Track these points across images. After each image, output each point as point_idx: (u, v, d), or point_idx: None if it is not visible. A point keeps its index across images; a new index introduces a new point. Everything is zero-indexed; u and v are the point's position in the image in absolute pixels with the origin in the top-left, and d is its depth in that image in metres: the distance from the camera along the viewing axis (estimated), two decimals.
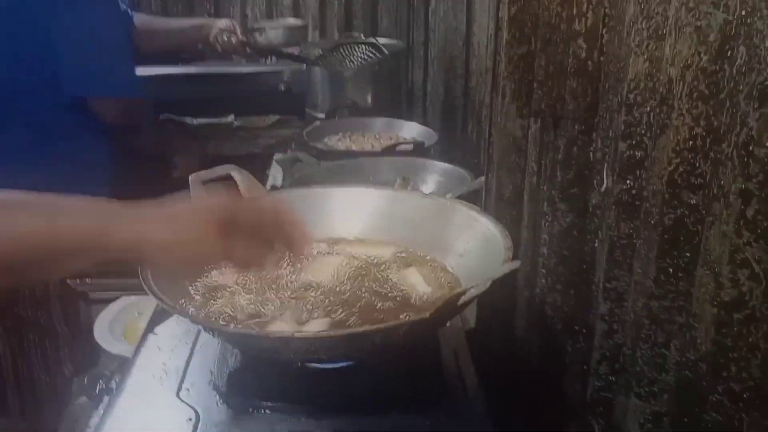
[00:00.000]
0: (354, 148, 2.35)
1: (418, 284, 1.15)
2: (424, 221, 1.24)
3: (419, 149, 2.29)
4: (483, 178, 1.83)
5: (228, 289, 1.11)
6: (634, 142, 0.95)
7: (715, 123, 0.80)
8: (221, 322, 1.01)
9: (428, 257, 1.20)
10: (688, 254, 0.85)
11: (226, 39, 2.45)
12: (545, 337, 1.27)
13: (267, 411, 1.00)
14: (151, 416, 1.00)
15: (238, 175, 1.30)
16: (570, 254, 1.20)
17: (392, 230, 1.25)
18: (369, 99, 2.71)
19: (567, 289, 1.22)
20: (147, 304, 1.48)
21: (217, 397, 1.02)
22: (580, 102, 1.14)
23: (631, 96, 0.94)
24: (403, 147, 2.28)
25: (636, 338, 0.94)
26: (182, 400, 1.02)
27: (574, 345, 1.19)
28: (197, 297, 1.10)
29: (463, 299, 0.91)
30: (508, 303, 1.40)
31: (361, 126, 2.51)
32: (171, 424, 0.98)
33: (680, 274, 0.86)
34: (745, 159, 0.72)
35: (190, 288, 1.11)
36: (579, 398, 1.13)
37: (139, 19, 2.48)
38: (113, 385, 1.16)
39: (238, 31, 2.49)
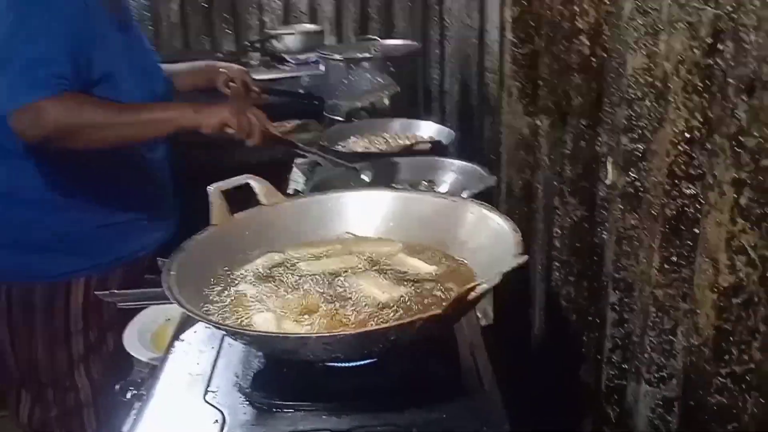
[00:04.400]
0: (372, 149, 2.38)
1: (420, 265, 1.19)
2: (436, 220, 1.26)
3: (437, 148, 2.30)
4: (491, 180, 1.86)
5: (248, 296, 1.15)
6: (635, 136, 0.97)
7: (710, 115, 0.83)
8: (242, 327, 1.05)
9: (441, 252, 1.23)
10: (689, 243, 0.87)
11: (237, 85, 2.44)
12: (561, 328, 1.29)
13: (290, 410, 1.03)
14: (180, 420, 1.04)
15: (255, 183, 1.34)
16: (581, 247, 1.23)
17: (405, 229, 1.28)
18: (386, 100, 2.73)
19: (580, 280, 1.25)
20: (174, 311, 1.53)
21: (242, 398, 1.06)
22: (585, 98, 1.16)
23: (631, 91, 0.97)
24: (420, 146, 2.30)
25: (644, 326, 0.96)
26: (209, 403, 1.05)
27: (589, 335, 1.21)
28: (219, 304, 1.14)
29: (474, 294, 0.93)
30: (524, 297, 1.43)
31: (379, 127, 2.53)
32: (198, 426, 1.01)
33: (682, 263, 0.89)
34: (736, 149, 0.74)
35: (212, 296, 1.15)
36: (595, 387, 1.15)
37: None
38: (143, 391, 1.20)
39: (249, 79, 2.46)
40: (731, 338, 0.78)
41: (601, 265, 1.15)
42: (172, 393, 1.11)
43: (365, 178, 1.92)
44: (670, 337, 0.92)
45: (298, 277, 1.17)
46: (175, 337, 1.24)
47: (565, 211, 1.22)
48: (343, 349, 0.95)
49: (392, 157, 2.22)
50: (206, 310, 1.10)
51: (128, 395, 1.23)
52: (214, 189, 1.27)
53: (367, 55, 2.81)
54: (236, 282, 1.18)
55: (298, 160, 2.44)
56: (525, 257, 0.96)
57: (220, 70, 2.42)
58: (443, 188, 2.04)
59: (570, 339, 1.25)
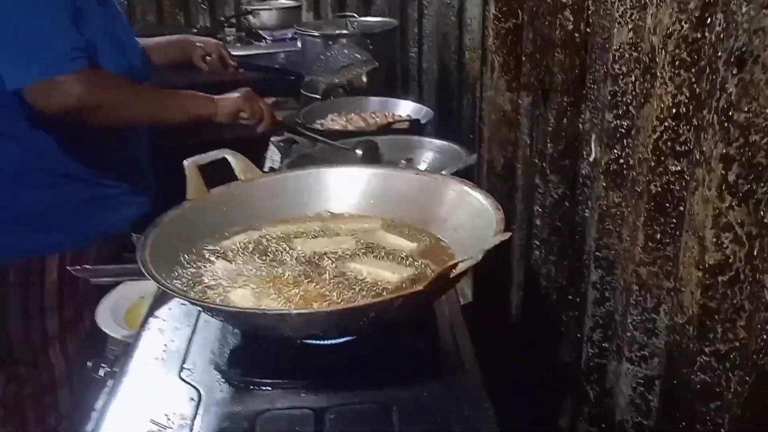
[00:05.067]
0: (350, 127, 2.35)
1: (401, 243, 1.17)
2: (416, 197, 1.25)
3: (415, 127, 2.29)
4: (470, 157, 1.85)
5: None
6: (620, 112, 0.96)
7: (697, 90, 0.82)
8: (219, 303, 1.03)
9: (421, 229, 1.21)
10: (674, 220, 0.86)
11: (213, 59, 2.43)
12: (540, 307, 1.29)
13: (267, 388, 1.01)
14: (155, 397, 1.02)
15: (232, 158, 1.32)
16: (562, 225, 1.22)
17: (385, 207, 1.27)
18: (364, 78, 2.70)
19: (560, 259, 1.24)
20: (149, 288, 1.51)
21: (219, 376, 1.04)
22: (568, 74, 1.15)
23: (616, 66, 0.95)
24: (398, 125, 2.28)
25: (626, 304, 0.95)
26: (184, 381, 1.03)
27: (569, 314, 1.21)
28: (195, 280, 1.11)
29: (456, 271, 0.92)
30: (503, 276, 1.42)
31: (356, 105, 2.50)
32: (174, 404, 0.99)
33: (667, 240, 0.88)
34: (726, 124, 0.73)
35: (188, 272, 1.13)
36: (574, 366, 1.15)
37: None
38: (116, 368, 1.17)
39: (226, 53, 2.46)
40: (716, 316, 0.78)
41: (582, 243, 1.14)
42: (146, 370, 1.08)
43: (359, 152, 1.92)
44: (653, 315, 0.91)
45: (279, 254, 1.15)
46: (150, 313, 1.22)
47: (547, 189, 1.21)
48: (322, 326, 0.93)
49: (370, 135, 2.20)
50: (182, 286, 1.08)
51: (101, 373, 1.20)
52: (190, 163, 1.25)
53: (344, 31, 2.78)
54: (213, 258, 1.16)
55: (275, 138, 2.41)
56: (507, 234, 0.95)
57: (197, 44, 2.40)
58: (422, 167, 2.03)
59: (550, 318, 1.25)
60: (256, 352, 1.08)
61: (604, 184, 1.00)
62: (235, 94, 1.89)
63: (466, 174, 1.71)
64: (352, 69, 2.60)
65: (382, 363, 1.05)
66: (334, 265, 1.10)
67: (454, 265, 0.90)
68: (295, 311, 0.95)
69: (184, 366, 1.07)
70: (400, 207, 1.25)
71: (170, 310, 1.21)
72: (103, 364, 1.20)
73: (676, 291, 0.84)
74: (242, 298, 1.02)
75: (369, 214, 1.26)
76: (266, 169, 2.17)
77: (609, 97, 0.96)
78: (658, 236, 0.88)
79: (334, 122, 2.41)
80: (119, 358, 1.21)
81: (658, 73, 0.84)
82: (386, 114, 2.45)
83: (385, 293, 1.02)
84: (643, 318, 0.92)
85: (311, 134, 2.09)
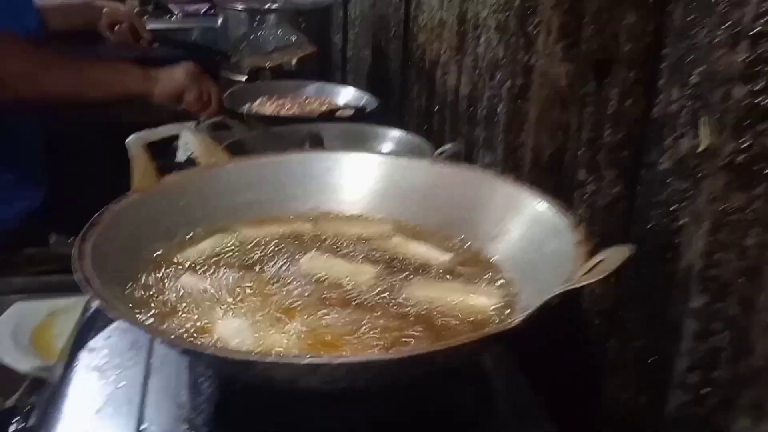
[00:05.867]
0: (284, 113, 2.06)
1: (429, 253, 0.89)
2: (437, 194, 0.97)
3: (360, 115, 2.03)
4: (450, 145, 1.59)
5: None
6: (760, 86, 0.72)
7: None
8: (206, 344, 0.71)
9: (449, 237, 0.93)
10: None
11: (123, 29, 2.07)
12: (585, 335, 1.04)
13: None
14: None
15: (190, 136, 1.00)
16: (614, 233, 0.98)
17: (395, 207, 0.98)
18: (293, 61, 2.41)
19: (608, 276, 1.00)
20: (58, 303, 1.17)
21: None
22: (637, 42, 0.91)
23: (758, 24, 0.72)
24: (344, 112, 2.02)
25: (764, 341, 0.72)
26: None
27: (626, 346, 0.97)
28: (158, 304, 0.79)
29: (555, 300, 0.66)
30: None
31: (288, 90, 2.21)
32: None
33: None
34: None
35: (146, 292, 0.81)
36: (650, 413, 0.90)
37: None
38: (34, 421, 0.84)
39: (139, 24, 2.11)
40: None
41: (655, 256, 0.90)
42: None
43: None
44: None
45: (274, 268, 0.84)
46: (78, 344, 0.88)
47: (598, 186, 0.96)
48: (372, 377, 0.64)
49: (311, 122, 1.92)
50: (140, 313, 0.76)
51: (12, 428, 0.86)
52: (135, 141, 0.92)
53: (272, 6, 2.48)
54: (177, 272, 0.83)
55: (190, 123, 2.07)
56: (628, 249, 0.68)
57: (103, 10, 2.05)
58: None
59: (596, 350, 1.00)
60: (243, 400, 0.78)
61: (725, 182, 0.76)
62: (176, 70, 1.56)
63: None
64: (286, 52, 2.31)
65: (419, 418, 0.77)
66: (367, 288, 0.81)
67: (567, 292, 0.64)
68: (338, 361, 0.63)
69: (142, 426, 0.75)
70: (414, 206, 0.97)
71: (108, 340, 0.88)
72: (14, 416, 0.86)
73: None
74: (236, 332, 0.71)
75: (375, 215, 0.98)
76: (181, 158, 1.85)
77: (745, 64, 0.72)
78: None
79: (265, 108, 2.11)
80: (38, 407, 0.86)
81: None
82: (323, 100, 2.18)
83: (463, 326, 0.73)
84: None
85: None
